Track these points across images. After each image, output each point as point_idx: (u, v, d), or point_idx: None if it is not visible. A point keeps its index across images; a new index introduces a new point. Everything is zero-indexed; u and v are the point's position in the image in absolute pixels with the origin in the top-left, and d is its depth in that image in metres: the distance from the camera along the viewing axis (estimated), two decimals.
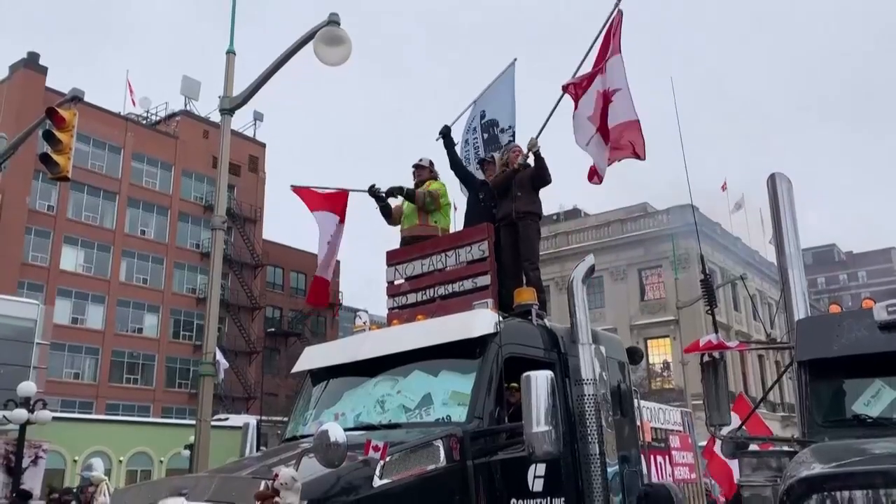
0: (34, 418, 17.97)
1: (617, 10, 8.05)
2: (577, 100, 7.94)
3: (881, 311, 5.37)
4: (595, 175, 7.96)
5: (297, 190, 8.87)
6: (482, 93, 9.49)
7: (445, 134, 7.98)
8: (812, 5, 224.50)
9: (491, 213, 7.33)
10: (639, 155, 7.84)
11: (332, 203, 8.77)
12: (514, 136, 9.09)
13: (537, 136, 7.52)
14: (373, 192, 7.92)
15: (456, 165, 7.93)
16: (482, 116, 9.32)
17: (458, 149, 8.60)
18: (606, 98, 7.81)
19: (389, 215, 7.97)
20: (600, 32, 8.07)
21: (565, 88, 7.95)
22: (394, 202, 7.95)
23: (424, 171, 7.82)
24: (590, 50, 8.12)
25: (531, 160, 7.44)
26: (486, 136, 9.27)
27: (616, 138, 7.83)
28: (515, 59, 9.45)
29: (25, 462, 19.32)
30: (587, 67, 8.14)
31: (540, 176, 7.33)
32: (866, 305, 5.61)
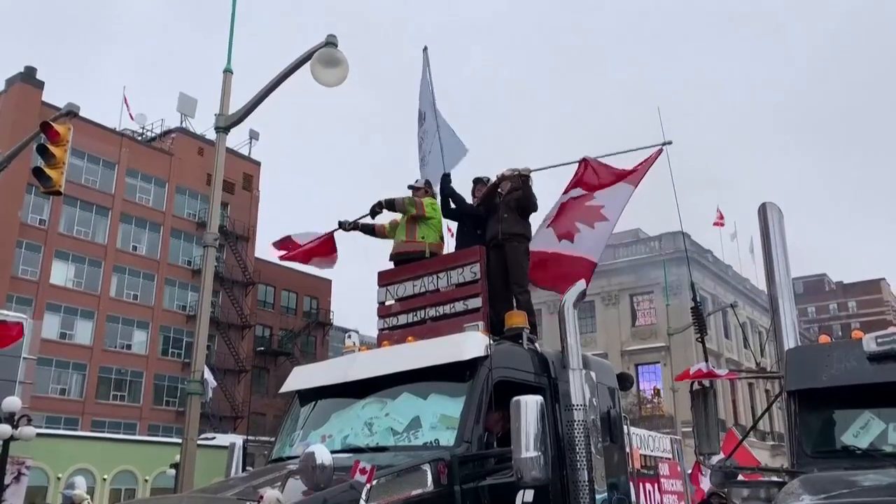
0: (18, 434, 17.74)
1: (659, 147, 7.94)
2: (578, 176, 7.88)
3: (871, 342, 5.38)
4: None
5: (285, 257, 8.93)
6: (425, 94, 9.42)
7: (445, 184, 8.02)
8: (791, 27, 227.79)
9: (479, 237, 7.32)
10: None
11: (321, 251, 8.80)
12: (424, 118, 9.10)
13: (534, 169, 7.52)
14: (345, 227, 8.04)
15: (449, 212, 7.92)
16: (437, 115, 9.26)
17: (436, 153, 8.62)
18: (594, 215, 7.76)
19: (373, 232, 8.00)
20: (639, 149, 8.01)
21: (582, 165, 7.91)
22: (385, 218, 7.95)
23: (420, 192, 7.82)
24: (625, 152, 8.05)
25: (507, 172, 7.41)
26: (420, 129, 9.25)
27: (566, 272, 7.73)
28: (426, 47, 9.45)
29: (8, 479, 19.05)
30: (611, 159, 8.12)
31: (525, 199, 7.30)
32: (856, 336, 5.62)
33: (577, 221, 7.79)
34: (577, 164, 8.01)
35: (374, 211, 7.72)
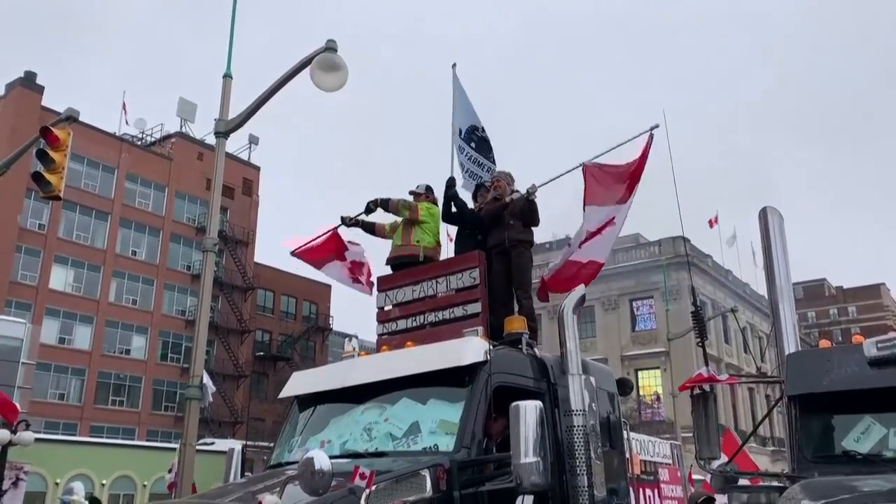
0: (16, 440, 17.66)
1: (650, 132, 7.83)
2: (588, 189, 7.87)
3: (871, 347, 5.37)
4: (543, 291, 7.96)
5: (297, 253, 8.94)
6: (453, 112, 9.47)
7: (450, 186, 8.01)
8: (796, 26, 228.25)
9: (479, 243, 7.32)
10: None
11: (330, 250, 8.81)
12: (484, 131, 9.18)
13: (539, 185, 7.53)
14: (346, 223, 8.13)
15: (449, 217, 7.91)
16: (461, 133, 9.30)
17: (458, 173, 8.64)
18: (606, 223, 7.76)
19: (372, 230, 8.04)
20: (631, 140, 7.93)
21: (584, 169, 7.90)
22: (387, 218, 7.96)
23: (420, 198, 7.82)
24: (617, 146, 7.97)
25: (516, 196, 7.44)
26: (473, 144, 9.26)
27: (576, 273, 7.77)
28: (455, 64, 9.49)
29: (5, 484, 18.96)
30: (609, 155, 8.05)
31: (529, 214, 7.35)
32: (856, 341, 5.61)
33: (588, 230, 7.77)
34: (579, 170, 7.98)
35: (369, 208, 7.80)
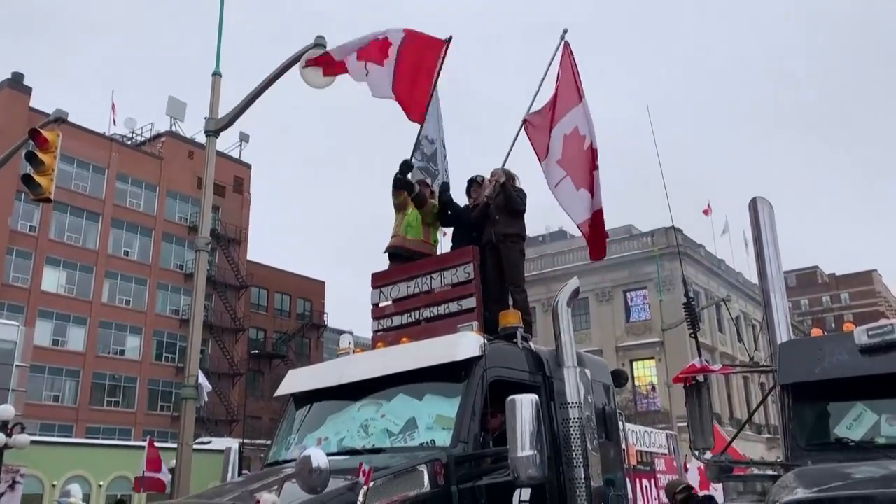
0: (12, 442, 17.65)
1: (563, 42, 7.74)
2: (534, 140, 7.73)
3: (862, 334, 5.42)
4: (595, 249, 7.64)
5: (327, 71, 8.61)
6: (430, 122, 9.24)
7: (444, 191, 7.96)
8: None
9: (476, 238, 7.33)
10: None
11: (369, 53, 8.45)
12: (434, 143, 8.97)
13: (501, 167, 7.49)
14: (405, 166, 7.66)
15: (446, 220, 7.87)
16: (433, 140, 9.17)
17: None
18: (593, 154, 7.43)
19: (411, 188, 7.49)
20: (550, 64, 7.77)
21: (525, 123, 7.85)
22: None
23: (427, 189, 7.80)
24: (542, 82, 7.86)
25: (488, 192, 7.38)
26: (423, 153, 9.09)
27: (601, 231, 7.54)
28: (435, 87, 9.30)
29: (2, 487, 18.97)
30: (543, 99, 7.92)
31: (510, 202, 7.27)
32: (847, 329, 5.65)
33: (584, 167, 7.57)
34: (521, 126, 7.93)
35: (402, 168, 7.54)
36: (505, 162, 7.60)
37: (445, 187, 8.05)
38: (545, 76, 7.90)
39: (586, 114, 7.57)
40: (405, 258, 7.43)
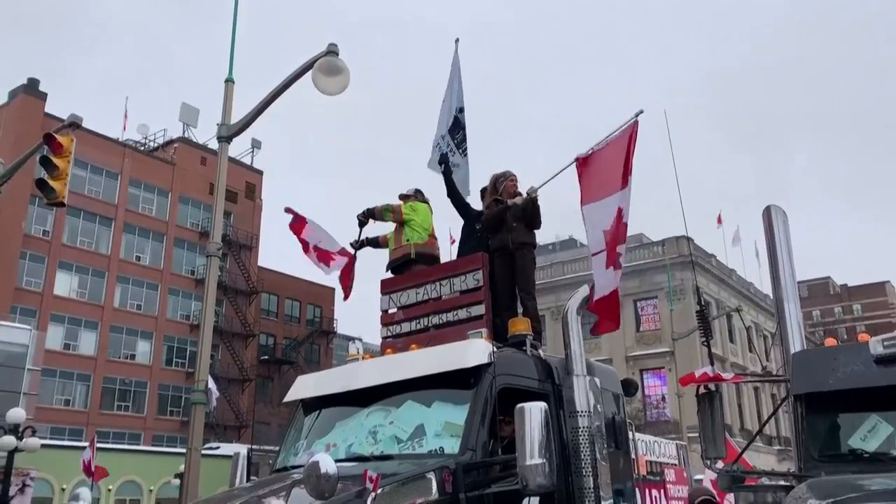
0: (23, 445, 17.76)
1: (635, 121, 7.28)
2: (583, 181, 7.61)
3: (877, 344, 5.35)
4: (606, 322, 7.19)
5: (293, 227, 8.78)
6: (450, 89, 9.22)
7: (443, 161, 8.04)
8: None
9: (485, 244, 7.31)
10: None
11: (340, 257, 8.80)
12: (461, 111, 8.95)
13: (539, 186, 7.43)
14: (354, 246, 8.15)
15: (452, 194, 7.94)
16: (460, 111, 9.12)
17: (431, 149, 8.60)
18: (624, 230, 7.09)
19: (377, 244, 8.09)
20: (620, 129, 7.39)
21: (578, 162, 7.70)
22: (387, 228, 7.99)
23: (408, 199, 7.87)
24: (609, 137, 7.76)
25: (518, 200, 7.32)
26: (450, 122, 9.09)
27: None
28: (458, 39, 9.26)
29: (12, 490, 19.07)
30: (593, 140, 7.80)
31: (531, 217, 7.26)
32: (862, 339, 5.59)
33: (618, 246, 7.45)
34: (572, 162, 7.84)
35: (360, 221, 7.90)
36: (544, 184, 7.52)
37: (443, 159, 8.11)
38: (611, 134, 7.60)
39: (629, 195, 7.45)
40: (394, 270, 7.53)
